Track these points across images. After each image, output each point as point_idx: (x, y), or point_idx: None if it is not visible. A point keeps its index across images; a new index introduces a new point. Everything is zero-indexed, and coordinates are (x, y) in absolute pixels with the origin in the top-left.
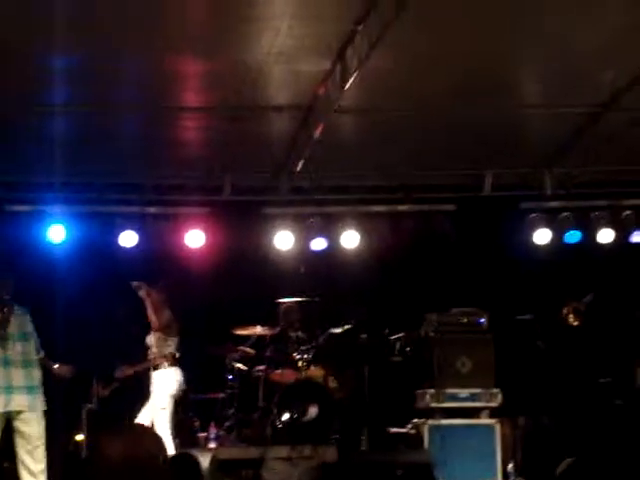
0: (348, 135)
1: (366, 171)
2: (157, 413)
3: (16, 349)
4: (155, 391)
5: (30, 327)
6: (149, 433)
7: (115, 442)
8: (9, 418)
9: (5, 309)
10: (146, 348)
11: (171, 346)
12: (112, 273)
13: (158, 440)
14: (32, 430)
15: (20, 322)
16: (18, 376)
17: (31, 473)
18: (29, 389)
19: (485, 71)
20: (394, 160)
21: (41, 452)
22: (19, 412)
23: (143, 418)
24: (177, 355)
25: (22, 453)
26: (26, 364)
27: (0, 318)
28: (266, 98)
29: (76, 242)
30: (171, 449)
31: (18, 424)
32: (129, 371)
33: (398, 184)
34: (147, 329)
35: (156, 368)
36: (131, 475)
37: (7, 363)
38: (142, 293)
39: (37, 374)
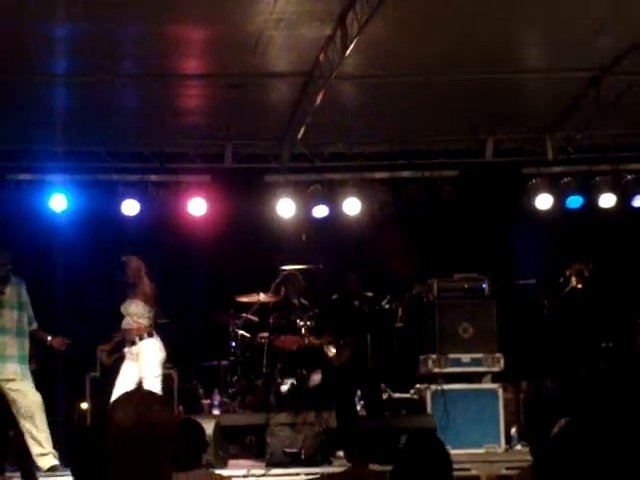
0: (349, 101)
1: (368, 138)
2: (149, 381)
3: (12, 317)
4: (145, 360)
5: (26, 297)
6: (160, 399)
7: (126, 409)
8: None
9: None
10: (123, 317)
11: (151, 315)
12: (114, 241)
13: (169, 406)
14: (27, 398)
15: (17, 291)
16: (12, 345)
17: (36, 441)
18: (21, 358)
19: (486, 36)
20: (396, 126)
21: (40, 419)
22: (10, 380)
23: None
24: None
25: (23, 422)
26: (20, 333)
27: None
28: (267, 65)
29: (78, 211)
30: None
31: (12, 394)
32: (107, 348)
33: (400, 150)
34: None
35: (143, 337)
36: (142, 441)
37: (2, 331)
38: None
39: (27, 345)
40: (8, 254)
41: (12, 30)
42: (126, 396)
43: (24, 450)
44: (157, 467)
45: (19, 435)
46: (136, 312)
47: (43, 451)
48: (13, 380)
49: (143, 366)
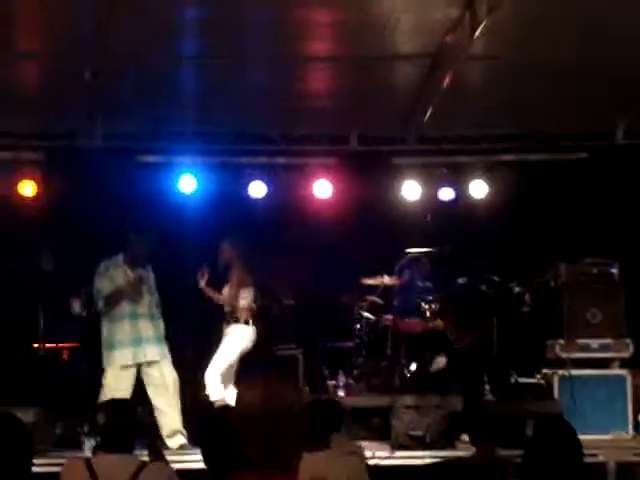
0: (476, 84)
1: (495, 120)
2: (217, 363)
3: (145, 302)
4: (225, 342)
5: (154, 281)
6: (288, 381)
7: (255, 391)
8: (139, 370)
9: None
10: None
11: (240, 302)
12: (242, 223)
13: (297, 388)
14: (164, 377)
15: (146, 276)
16: (147, 328)
17: (168, 419)
18: (157, 339)
19: (616, 17)
20: (523, 108)
21: (173, 397)
22: (150, 363)
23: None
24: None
25: (157, 400)
26: (152, 316)
27: (135, 279)
28: (394, 47)
29: (206, 192)
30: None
31: (150, 375)
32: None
33: (528, 133)
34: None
35: (229, 322)
36: (271, 423)
37: (136, 316)
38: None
39: (162, 325)
40: (152, 240)
41: (140, 13)
42: (255, 379)
43: (153, 428)
44: (286, 448)
45: (148, 413)
46: (226, 297)
47: (174, 429)
48: (153, 362)
49: (222, 346)
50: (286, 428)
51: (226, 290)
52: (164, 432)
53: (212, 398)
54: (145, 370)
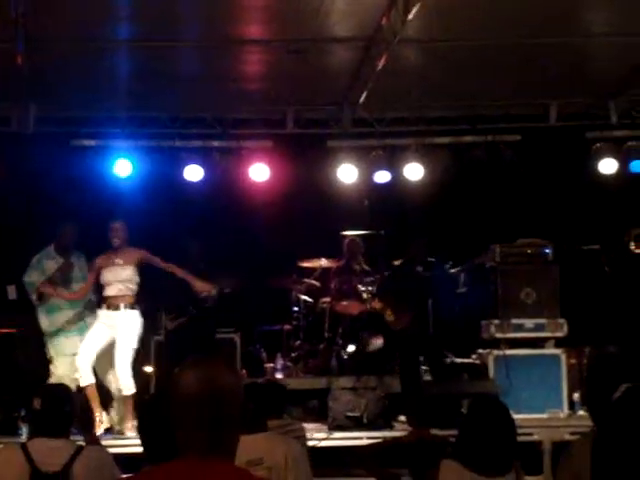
0: (411, 66)
1: (430, 102)
2: (129, 352)
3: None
4: (129, 330)
5: (86, 268)
6: (225, 364)
7: (192, 374)
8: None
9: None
10: (123, 282)
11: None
12: (178, 207)
13: (235, 371)
14: None
15: (80, 265)
16: (88, 315)
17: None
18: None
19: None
20: (457, 91)
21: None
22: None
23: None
24: None
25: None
26: (83, 305)
27: (65, 265)
28: (329, 29)
29: (142, 176)
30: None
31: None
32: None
33: (462, 115)
34: (208, 264)
35: (131, 307)
36: (209, 407)
37: (75, 304)
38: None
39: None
40: (75, 228)
41: None
42: (191, 362)
43: (89, 413)
44: (225, 432)
45: (84, 399)
46: (127, 278)
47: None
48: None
49: (126, 335)
50: (224, 411)
51: (119, 272)
52: (117, 417)
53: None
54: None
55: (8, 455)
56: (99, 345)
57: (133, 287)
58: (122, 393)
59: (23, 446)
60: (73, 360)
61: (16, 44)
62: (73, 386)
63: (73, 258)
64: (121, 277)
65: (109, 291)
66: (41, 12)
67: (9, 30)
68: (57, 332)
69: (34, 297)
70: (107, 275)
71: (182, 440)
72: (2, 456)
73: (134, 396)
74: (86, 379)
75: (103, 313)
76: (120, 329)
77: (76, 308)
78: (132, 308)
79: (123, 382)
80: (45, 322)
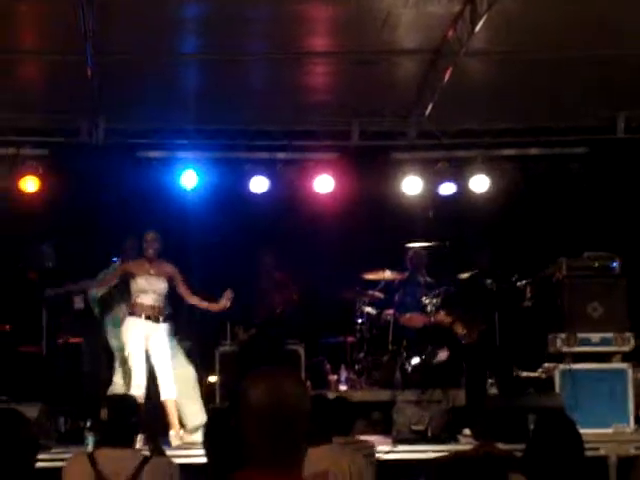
0: (477, 78)
1: (495, 114)
2: (169, 361)
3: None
4: (166, 341)
5: None
6: (293, 376)
7: (259, 386)
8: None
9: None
10: (158, 294)
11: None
12: (243, 219)
13: (302, 383)
14: (186, 373)
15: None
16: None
17: (191, 414)
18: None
19: (621, 10)
20: (524, 103)
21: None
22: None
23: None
24: None
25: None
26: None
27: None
28: (395, 42)
29: (208, 188)
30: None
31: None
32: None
33: (528, 127)
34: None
35: (164, 320)
36: (276, 419)
37: None
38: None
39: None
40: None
41: (143, 11)
42: (259, 373)
43: (154, 423)
44: (292, 444)
45: (152, 408)
46: (162, 292)
47: (196, 424)
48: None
49: (166, 347)
50: (291, 422)
51: (154, 282)
52: (186, 427)
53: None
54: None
55: (76, 465)
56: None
57: (164, 299)
58: (167, 397)
59: (90, 456)
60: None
61: (86, 58)
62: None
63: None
64: (157, 288)
65: (145, 299)
66: (110, 26)
67: (79, 44)
68: (122, 344)
69: (96, 311)
70: (142, 283)
71: (249, 451)
72: (70, 466)
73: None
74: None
75: (140, 322)
76: (157, 339)
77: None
78: (165, 321)
79: (170, 387)
80: (111, 334)
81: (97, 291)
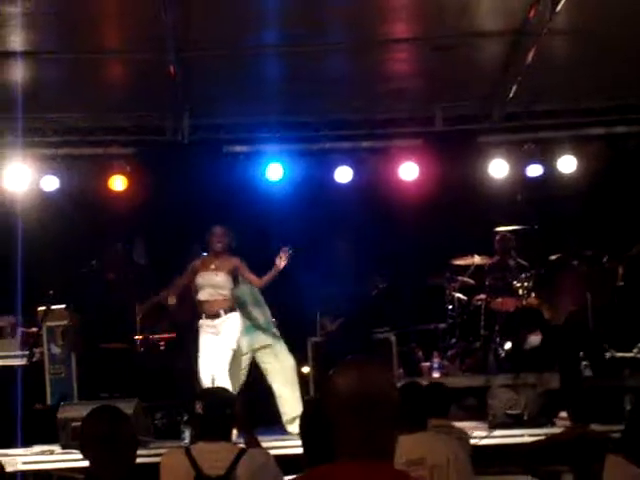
0: (561, 57)
1: (581, 93)
2: (229, 353)
3: (249, 289)
4: (229, 332)
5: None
6: (379, 364)
7: (346, 376)
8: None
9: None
10: (214, 287)
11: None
12: (330, 209)
13: (389, 371)
14: (282, 362)
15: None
16: (256, 314)
17: (291, 406)
18: (268, 324)
19: None
20: (609, 81)
21: (293, 382)
22: (266, 348)
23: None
24: None
25: (279, 389)
26: (258, 302)
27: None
28: (476, 24)
29: (293, 180)
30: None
31: (269, 360)
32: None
33: (615, 105)
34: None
35: (230, 310)
36: (364, 408)
37: (244, 304)
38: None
39: (268, 310)
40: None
41: (223, 5)
42: (346, 363)
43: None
44: (380, 433)
45: (243, 401)
46: (222, 284)
47: (293, 416)
48: (268, 347)
49: (227, 338)
50: (378, 412)
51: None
52: (284, 418)
53: None
54: (261, 357)
55: (173, 459)
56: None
57: (226, 293)
58: None
59: (187, 450)
60: (240, 359)
61: (168, 54)
62: (237, 385)
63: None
64: (214, 282)
65: (201, 296)
66: (192, 21)
67: (161, 41)
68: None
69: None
70: (198, 280)
71: (338, 442)
72: (168, 461)
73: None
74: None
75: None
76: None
77: (245, 307)
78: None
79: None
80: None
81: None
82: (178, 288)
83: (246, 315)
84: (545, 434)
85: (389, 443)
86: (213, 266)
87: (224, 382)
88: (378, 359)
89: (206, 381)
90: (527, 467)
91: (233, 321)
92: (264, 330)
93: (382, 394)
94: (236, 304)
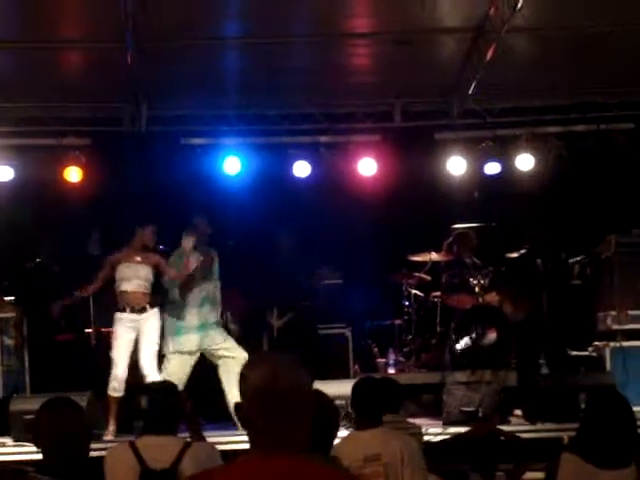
0: (520, 55)
1: (539, 91)
2: (154, 348)
3: (211, 287)
4: (153, 327)
5: (217, 264)
6: (293, 361)
7: (258, 370)
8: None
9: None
10: (141, 278)
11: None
12: (287, 203)
13: (302, 368)
14: (235, 357)
15: (215, 258)
16: (210, 313)
17: None
18: (218, 324)
19: None
20: (568, 79)
21: None
22: (219, 347)
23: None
24: None
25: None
26: (214, 301)
27: (208, 261)
28: (436, 20)
29: (251, 174)
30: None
31: (224, 357)
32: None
33: (573, 104)
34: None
35: (153, 305)
36: (272, 403)
37: (203, 303)
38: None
39: (219, 310)
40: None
41: None
42: (256, 358)
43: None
44: (293, 427)
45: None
46: (148, 278)
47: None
48: (221, 346)
49: (152, 332)
50: (291, 405)
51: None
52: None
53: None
54: (214, 354)
55: (118, 454)
56: None
57: (149, 287)
58: None
59: (132, 444)
60: (186, 358)
61: (126, 44)
62: (181, 384)
63: (213, 251)
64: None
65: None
66: (150, 12)
67: (119, 30)
68: (179, 328)
69: (175, 292)
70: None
71: (251, 436)
72: (113, 455)
73: None
74: None
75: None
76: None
77: (203, 306)
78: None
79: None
80: (169, 318)
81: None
82: (100, 282)
83: (200, 314)
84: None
85: (303, 437)
86: (139, 258)
87: (155, 377)
88: (291, 354)
89: (123, 375)
90: (432, 466)
91: (156, 317)
92: (216, 329)
93: (294, 388)
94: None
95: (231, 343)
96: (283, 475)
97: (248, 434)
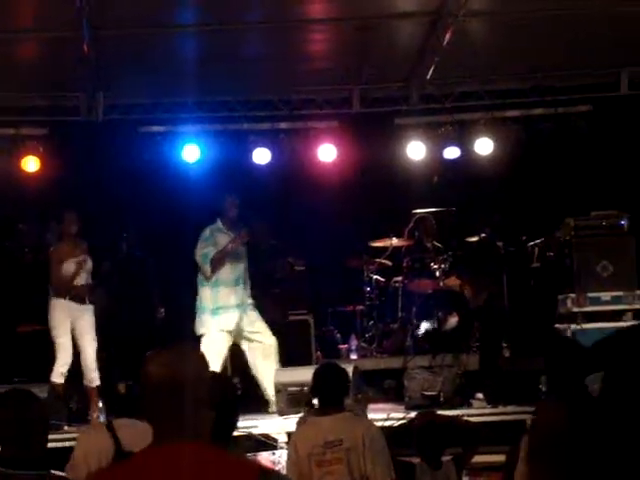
0: (478, 39)
1: (498, 75)
2: (92, 343)
3: (243, 267)
4: (90, 322)
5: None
6: (189, 352)
7: (155, 362)
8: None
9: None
10: (88, 272)
11: None
12: (247, 190)
13: (200, 358)
14: (270, 342)
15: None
16: (246, 293)
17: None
18: (253, 304)
19: None
20: (526, 63)
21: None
22: (254, 326)
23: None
24: None
25: (263, 366)
26: (246, 281)
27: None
28: (393, 5)
29: (210, 161)
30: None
31: (256, 338)
32: None
33: (531, 87)
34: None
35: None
36: (170, 394)
37: (238, 282)
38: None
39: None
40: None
41: None
42: (155, 350)
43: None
44: (192, 415)
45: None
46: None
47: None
48: (256, 326)
49: (90, 327)
50: (191, 396)
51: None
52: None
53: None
54: (246, 337)
55: (94, 434)
56: None
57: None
58: (92, 384)
59: (109, 425)
60: (227, 336)
61: (82, 33)
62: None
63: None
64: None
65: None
66: (105, 0)
67: (76, 19)
68: (217, 307)
69: (208, 269)
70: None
71: (152, 426)
72: (89, 435)
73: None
74: None
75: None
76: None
77: (239, 285)
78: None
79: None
80: (205, 297)
81: (207, 249)
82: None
83: (237, 293)
84: (461, 415)
85: (202, 425)
86: (78, 251)
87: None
88: (189, 345)
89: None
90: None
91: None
92: (252, 309)
93: (191, 377)
94: (233, 281)
95: (264, 327)
96: (184, 463)
97: (150, 425)
